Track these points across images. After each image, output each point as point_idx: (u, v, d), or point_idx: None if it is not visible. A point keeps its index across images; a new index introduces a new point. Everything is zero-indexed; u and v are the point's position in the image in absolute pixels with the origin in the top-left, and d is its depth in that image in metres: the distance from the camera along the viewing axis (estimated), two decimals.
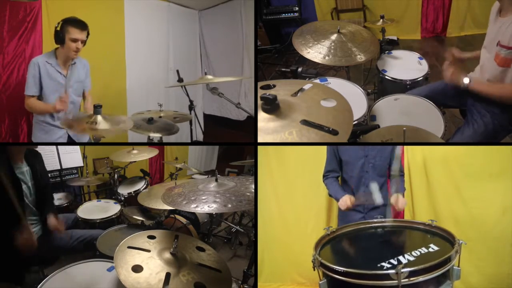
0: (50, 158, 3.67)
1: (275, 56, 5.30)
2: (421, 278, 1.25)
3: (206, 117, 5.03)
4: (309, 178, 2.81)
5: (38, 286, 1.56)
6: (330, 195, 2.14)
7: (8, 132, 2.89)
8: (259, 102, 1.44)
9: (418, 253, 1.41)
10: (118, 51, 3.75)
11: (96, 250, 2.14)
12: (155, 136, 2.61)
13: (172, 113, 3.12)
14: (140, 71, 4.04)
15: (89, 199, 3.75)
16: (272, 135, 1.35)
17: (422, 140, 1.93)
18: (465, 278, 2.38)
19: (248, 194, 1.63)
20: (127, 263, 1.47)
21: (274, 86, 1.63)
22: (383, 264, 1.34)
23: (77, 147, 3.89)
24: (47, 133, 2.53)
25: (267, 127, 1.39)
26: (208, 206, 1.54)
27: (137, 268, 1.45)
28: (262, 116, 1.43)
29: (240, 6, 4.29)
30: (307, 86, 1.64)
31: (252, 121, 1.64)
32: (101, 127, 2.02)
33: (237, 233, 3.50)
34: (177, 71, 2.89)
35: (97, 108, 2.11)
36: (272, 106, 1.43)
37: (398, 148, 2.10)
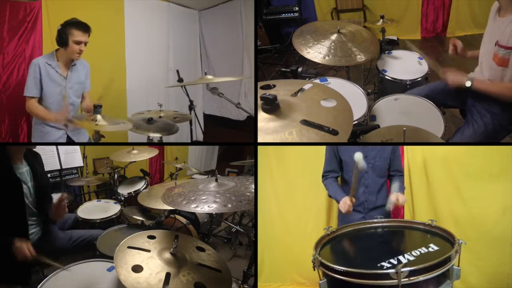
0: (50, 158, 3.67)
1: (275, 56, 5.30)
2: (421, 278, 1.25)
3: (206, 117, 5.03)
4: (309, 178, 2.81)
5: (38, 286, 1.56)
6: (330, 196, 2.13)
7: (8, 132, 2.89)
8: (259, 102, 1.44)
9: (418, 253, 1.41)
10: (118, 51, 3.75)
11: (96, 250, 2.14)
12: (155, 136, 2.62)
13: (172, 113, 3.12)
14: (140, 71, 4.04)
15: (89, 199, 3.75)
16: (272, 135, 1.35)
17: (422, 140, 1.93)
18: (465, 278, 2.38)
19: (248, 194, 1.63)
20: (127, 263, 1.47)
21: (274, 86, 1.63)
22: (383, 263, 1.34)
23: (77, 147, 3.89)
24: (46, 134, 2.53)
25: (267, 127, 1.39)
26: (208, 206, 1.54)
27: (137, 268, 1.45)
28: (262, 116, 1.43)
29: (240, 6, 4.29)
30: (307, 86, 1.64)
31: (252, 121, 1.65)
32: (101, 123, 2.05)
33: (237, 233, 3.50)
34: (177, 71, 2.89)
35: (97, 108, 2.12)
36: (272, 106, 1.43)
37: (398, 148, 2.10)
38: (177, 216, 2.92)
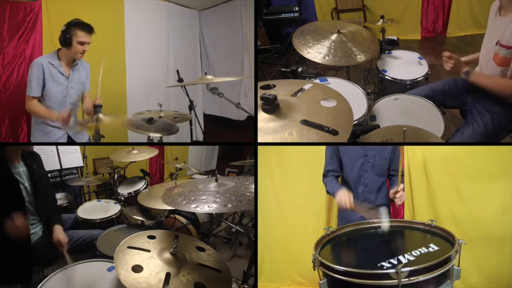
0: (50, 158, 3.67)
1: (275, 56, 5.30)
2: (421, 278, 1.25)
3: (206, 117, 5.02)
4: (309, 178, 2.81)
5: (38, 286, 1.56)
6: (328, 192, 2.12)
7: (8, 132, 2.89)
8: (259, 102, 1.44)
9: (418, 253, 1.41)
10: (118, 51, 3.75)
11: (96, 250, 2.14)
12: (155, 136, 2.61)
13: (172, 113, 3.12)
14: (140, 71, 4.04)
15: (89, 199, 3.75)
16: (272, 135, 1.35)
17: (422, 140, 1.93)
18: (465, 278, 2.38)
19: (248, 194, 1.63)
20: (127, 263, 1.47)
21: (274, 86, 1.63)
22: (383, 263, 1.34)
23: (77, 147, 3.89)
24: (46, 134, 2.53)
25: (267, 127, 1.39)
26: (208, 206, 1.53)
27: (137, 268, 1.45)
28: (262, 116, 1.43)
29: (240, 6, 4.29)
30: (307, 86, 1.64)
31: (252, 121, 1.65)
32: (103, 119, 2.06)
33: (237, 233, 3.50)
34: (177, 71, 2.89)
35: (97, 108, 2.12)
36: (272, 106, 1.43)
37: (398, 148, 2.10)
38: (177, 216, 2.92)
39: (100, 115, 2.10)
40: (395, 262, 1.34)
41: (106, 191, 3.89)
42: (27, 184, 2.04)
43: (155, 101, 3.26)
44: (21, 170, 2.04)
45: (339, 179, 2.18)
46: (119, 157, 3.30)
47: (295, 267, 2.90)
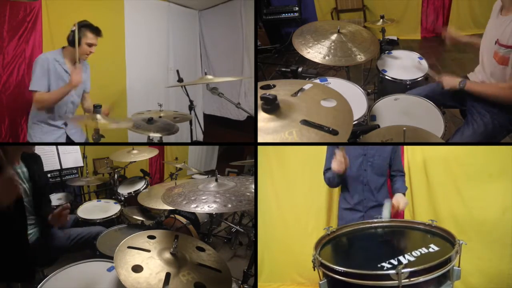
0: (50, 158, 3.67)
1: (275, 56, 5.30)
2: (421, 279, 1.25)
3: (206, 117, 5.02)
4: (309, 178, 2.81)
5: (38, 286, 1.56)
6: (328, 180, 2.10)
7: (8, 132, 2.90)
8: (259, 102, 1.44)
9: (419, 253, 1.41)
10: (118, 51, 3.75)
11: (95, 247, 2.14)
12: (155, 136, 2.61)
13: (172, 113, 3.12)
14: (140, 71, 4.04)
15: (89, 199, 3.75)
16: (272, 135, 1.35)
17: (422, 140, 1.93)
18: (465, 278, 2.38)
19: (248, 194, 1.63)
20: (127, 263, 1.47)
21: (274, 86, 1.63)
22: (383, 264, 1.34)
23: (77, 147, 3.89)
24: (45, 133, 2.53)
25: (267, 127, 1.38)
26: (208, 206, 1.53)
27: (137, 268, 1.45)
28: (262, 116, 1.43)
29: (240, 6, 4.29)
30: (307, 86, 1.64)
31: (252, 121, 1.64)
32: (102, 122, 2.05)
33: (237, 233, 3.50)
34: (177, 71, 2.90)
35: (97, 108, 2.12)
36: (272, 106, 1.43)
37: (399, 148, 2.10)
38: (177, 216, 2.92)
39: (99, 116, 2.09)
40: (396, 262, 1.34)
41: (106, 191, 3.89)
42: (26, 185, 2.04)
43: (155, 101, 3.26)
44: (20, 171, 2.04)
45: None
46: (119, 157, 3.30)
47: (295, 267, 2.90)
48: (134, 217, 2.81)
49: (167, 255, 1.55)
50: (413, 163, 2.64)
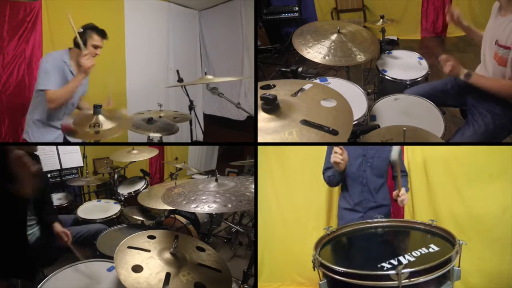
0: (50, 158, 3.67)
1: (275, 56, 5.30)
2: (421, 279, 1.25)
3: (206, 117, 5.03)
4: (309, 178, 2.81)
5: (38, 286, 1.56)
6: (329, 179, 2.10)
7: (8, 132, 2.90)
8: (259, 102, 1.44)
9: (419, 254, 1.41)
10: (118, 51, 3.75)
11: (95, 246, 2.14)
12: (155, 136, 2.62)
13: (172, 113, 3.13)
14: (140, 71, 4.04)
15: (89, 199, 3.75)
16: (272, 135, 1.35)
17: (422, 140, 1.93)
18: (465, 278, 2.37)
19: (248, 194, 1.63)
20: (127, 263, 1.47)
21: (274, 86, 1.63)
22: (383, 264, 1.33)
23: (77, 147, 3.89)
24: (44, 133, 2.53)
25: (267, 127, 1.38)
26: (208, 206, 1.53)
27: (137, 268, 1.45)
28: (262, 116, 1.42)
29: (240, 6, 4.29)
30: (307, 86, 1.64)
31: (252, 121, 1.64)
32: (105, 127, 2.03)
33: (237, 233, 3.50)
34: (177, 71, 2.89)
35: (97, 108, 2.11)
36: (272, 106, 1.43)
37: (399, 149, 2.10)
38: (177, 216, 2.92)
39: (100, 117, 2.08)
40: (396, 263, 1.34)
41: (106, 191, 3.89)
42: None
43: (155, 101, 3.26)
44: None
45: None
46: (119, 157, 3.30)
47: (295, 267, 2.90)
48: (134, 217, 2.81)
49: (167, 255, 1.55)
50: (413, 163, 2.64)
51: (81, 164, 3.92)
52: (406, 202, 1.95)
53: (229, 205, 1.54)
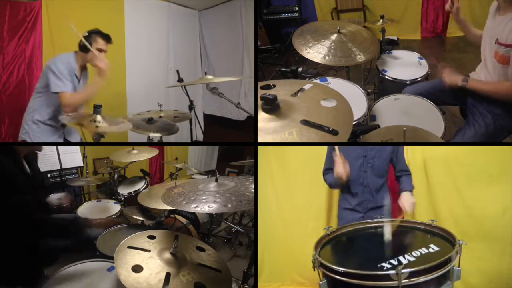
0: (50, 158, 3.67)
1: (275, 56, 5.30)
2: (421, 279, 1.25)
3: (206, 117, 5.03)
4: (309, 178, 2.81)
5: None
6: (330, 185, 2.12)
7: (8, 132, 2.90)
8: (259, 102, 1.44)
9: (419, 254, 1.41)
10: (118, 51, 3.75)
11: (95, 247, 2.13)
12: (155, 136, 2.62)
13: (172, 112, 3.13)
14: (140, 71, 4.04)
15: (89, 199, 3.75)
16: (272, 135, 1.35)
17: (422, 140, 1.93)
18: (465, 278, 2.37)
19: (248, 194, 1.63)
20: (127, 263, 1.46)
21: (274, 86, 1.63)
22: (383, 264, 1.34)
23: (77, 147, 3.89)
24: (45, 133, 2.53)
25: (267, 127, 1.38)
26: (208, 206, 1.53)
27: (137, 268, 1.45)
28: (262, 116, 1.43)
29: (240, 6, 4.29)
30: (307, 86, 1.64)
31: (252, 121, 1.65)
32: (103, 124, 2.05)
33: (237, 233, 3.50)
34: (177, 71, 2.90)
35: (97, 108, 2.11)
36: (272, 106, 1.43)
37: (400, 149, 2.10)
38: (177, 216, 2.92)
39: (99, 117, 2.08)
40: (395, 263, 1.34)
41: (106, 191, 3.89)
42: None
43: (155, 101, 3.26)
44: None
45: None
46: (119, 157, 3.30)
47: (295, 267, 2.90)
48: (134, 217, 2.80)
49: (167, 255, 1.55)
50: (413, 163, 2.63)
51: (81, 164, 3.92)
52: (411, 206, 1.94)
53: (229, 205, 1.54)
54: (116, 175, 3.36)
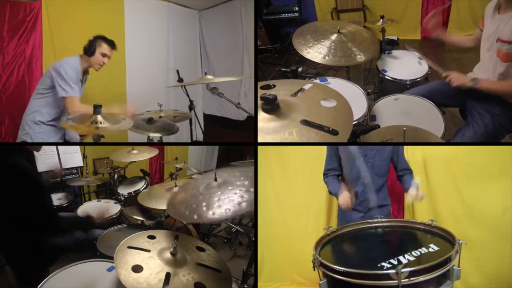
0: (50, 158, 3.67)
1: (275, 56, 5.30)
2: (421, 278, 1.25)
3: (206, 117, 5.03)
4: (309, 178, 2.81)
5: (38, 286, 1.56)
6: (330, 193, 2.14)
7: (8, 132, 2.90)
8: (259, 102, 1.44)
9: (418, 253, 1.41)
10: (118, 51, 3.74)
11: (96, 249, 2.14)
12: (155, 136, 2.62)
13: (172, 112, 3.13)
14: (140, 71, 4.04)
15: (89, 199, 3.75)
16: (272, 135, 1.35)
17: (422, 140, 1.93)
18: (465, 278, 2.38)
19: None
20: (127, 263, 1.46)
21: (274, 86, 1.63)
22: (383, 264, 1.34)
23: (77, 147, 3.89)
24: (47, 133, 2.53)
25: (267, 127, 1.39)
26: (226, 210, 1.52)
27: (137, 268, 1.45)
28: (262, 116, 1.43)
29: (240, 6, 4.29)
30: (307, 86, 1.64)
31: (252, 121, 1.65)
32: (103, 125, 2.04)
33: (237, 233, 3.50)
34: (177, 71, 2.90)
35: (97, 108, 2.11)
36: (272, 106, 1.43)
37: (400, 148, 2.10)
38: None
39: (99, 117, 2.08)
40: (395, 262, 1.34)
41: (106, 191, 3.89)
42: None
43: (155, 101, 3.26)
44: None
45: (339, 178, 2.18)
46: (119, 157, 3.30)
47: (295, 267, 2.90)
48: (134, 217, 2.80)
49: (167, 255, 1.55)
50: (413, 163, 2.63)
51: (81, 164, 3.91)
52: (422, 197, 1.94)
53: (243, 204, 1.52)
54: (116, 175, 3.36)
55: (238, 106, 2.33)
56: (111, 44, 2.59)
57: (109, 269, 1.70)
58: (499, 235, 2.37)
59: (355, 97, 2.32)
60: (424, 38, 5.43)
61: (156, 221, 2.54)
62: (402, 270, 1.22)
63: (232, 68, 4.50)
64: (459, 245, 1.39)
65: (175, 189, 2.59)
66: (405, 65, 2.85)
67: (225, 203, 1.39)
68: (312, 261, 1.45)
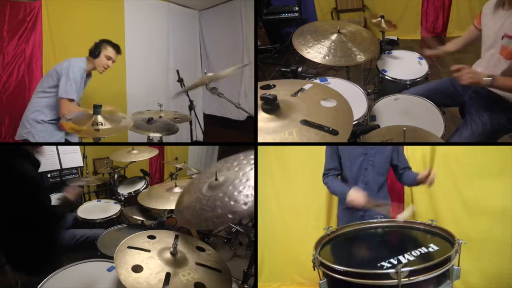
0: (50, 158, 3.67)
1: (275, 56, 5.30)
2: (421, 278, 1.25)
3: (206, 117, 5.03)
4: (309, 178, 2.81)
5: (38, 286, 1.56)
6: (332, 193, 2.12)
7: (8, 132, 2.90)
8: (259, 102, 1.44)
9: (418, 253, 1.41)
10: None
11: (97, 249, 2.14)
12: (155, 136, 2.62)
13: (172, 114, 3.12)
14: (140, 71, 4.04)
15: (89, 199, 3.75)
16: (272, 135, 1.35)
17: (422, 140, 1.93)
18: (465, 278, 2.38)
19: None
20: (127, 263, 1.46)
21: (274, 86, 1.63)
22: (383, 263, 1.34)
23: (77, 147, 3.89)
24: (49, 133, 2.54)
25: (267, 127, 1.39)
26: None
27: (137, 268, 1.45)
28: (262, 116, 1.43)
29: (240, 6, 4.29)
30: (307, 86, 1.64)
31: (252, 121, 1.65)
32: (104, 127, 2.04)
33: (237, 233, 3.50)
34: (177, 71, 2.90)
35: (97, 108, 2.11)
36: (272, 106, 1.43)
37: (401, 148, 2.10)
38: None
39: (99, 117, 2.08)
40: (395, 262, 1.34)
41: (106, 191, 3.89)
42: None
43: (155, 101, 3.26)
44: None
45: (339, 178, 2.18)
46: (119, 157, 3.30)
47: (295, 267, 2.90)
48: (134, 217, 2.80)
49: (167, 255, 1.55)
50: (413, 163, 2.63)
51: (81, 164, 3.91)
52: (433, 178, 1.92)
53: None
54: (116, 175, 3.36)
55: (238, 106, 2.32)
56: (116, 48, 2.64)
57: (109, 269, 1.70)
58: (499, 235, 2.37)
59: (355, 97, 2.32)
60: (424, 38, 5.42)
61: (157, 221, 2.55)
62: (402, 270, 1.22)
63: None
64: (458, 245, 1.39)
65: (176, 189, 2.59)
66: (405, 65, 2.86)
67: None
68: (312, 261, 1.45)
